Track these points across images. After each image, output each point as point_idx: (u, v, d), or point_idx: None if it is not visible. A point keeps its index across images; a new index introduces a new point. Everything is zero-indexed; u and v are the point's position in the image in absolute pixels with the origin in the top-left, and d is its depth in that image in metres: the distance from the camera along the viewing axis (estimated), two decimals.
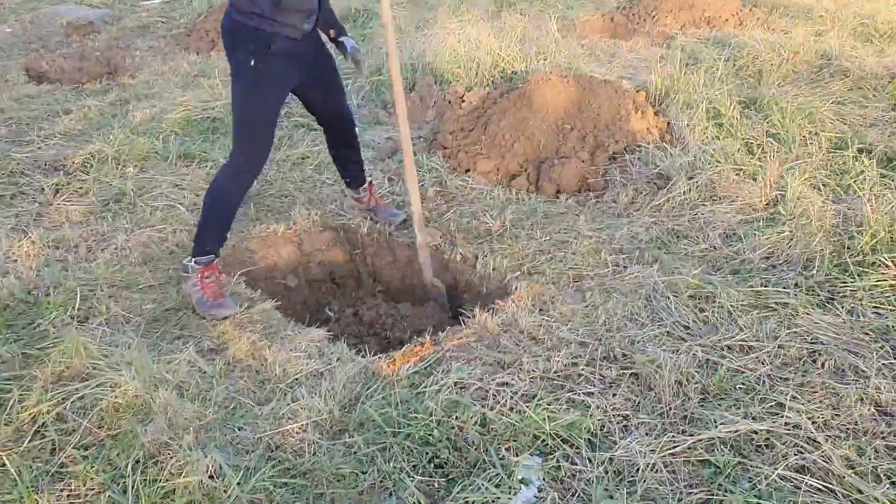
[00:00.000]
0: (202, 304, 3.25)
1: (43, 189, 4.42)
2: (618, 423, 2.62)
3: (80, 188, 4.44)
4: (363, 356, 3.01)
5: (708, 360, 2.92)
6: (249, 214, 4.19)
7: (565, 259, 3.70)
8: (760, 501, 2.27)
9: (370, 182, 4.11)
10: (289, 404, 2.69)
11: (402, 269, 3.98)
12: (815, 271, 3.57)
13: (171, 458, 2.40)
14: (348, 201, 4.19)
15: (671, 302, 3.30)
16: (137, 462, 2.41)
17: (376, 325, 3.69)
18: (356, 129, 3.85)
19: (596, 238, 3.91)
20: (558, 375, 2.85)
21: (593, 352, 2.97)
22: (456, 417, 2.59)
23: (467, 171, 4.80)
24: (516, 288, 3.45)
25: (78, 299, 3.30)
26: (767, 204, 4.17)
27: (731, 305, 3.26)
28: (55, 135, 5.23)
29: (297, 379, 2.85)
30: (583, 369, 2.87)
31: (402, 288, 4.00)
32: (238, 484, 2.30)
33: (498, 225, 4.06)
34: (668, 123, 5.12)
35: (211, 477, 2.34)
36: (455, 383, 2.76)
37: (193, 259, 3.33)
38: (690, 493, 2.35)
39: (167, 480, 2.31)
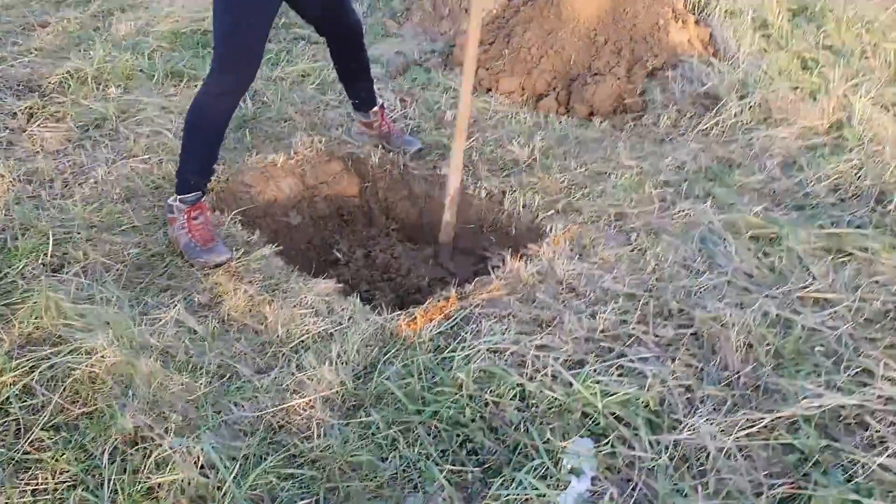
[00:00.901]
0: (190, 250, 2.83)
1: (15, 114, 3.93)
2: (680, 395, 2.23)
3: (57, 112, 3.96)
4: (379, 313, 2.60)
5: (779, 316, 2.51)
6: (245, 142, 3.72)
7: (604, 194, 3.25)
8: (860, 499, 1.90)
9: (381, 104, 3.62)
10: (293, 374, 2.30)
11: (418, 204, 3.54)
12: (891, 207, 3.12)
13: (156, 445, 2.02)
14: (356, 126, 3.72)
15: (730, 245, 2.88)
16: (116, 449, 2.03)
17: (391, 269, 3.27)
18: (364, 38, 3.34)
19: (638, 168, 3.45)
20: (606, 336, 2.45)
21: (644, 306, 2.56)
22: (490, 391, 2.20)
23: (488, 90, 4.30)
24: (551, 229, 3.01)
25: (51, 244, 2.87)
26: (830, 127, 3.69)
27: (801, 249, 2.82)
28: (30, 51, 4.70)
29: (302, 342, 2.45)
30: (634, 328, 2.46)
31: (418, 226, 3.56)
32: (235, 479, 1.93)
33: (526, 154, 3.60)
34: (711, 35, 4.58)
35: (203, 470, 1.96)
36: (487, 347, 2.36)
37: (178, 197, 2.90)
38: (773, 485, 1.97)
39: (151, 474, 1.94)
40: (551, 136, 3.78)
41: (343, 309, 2.59)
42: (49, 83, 4.21)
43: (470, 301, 2.60)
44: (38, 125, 3.81)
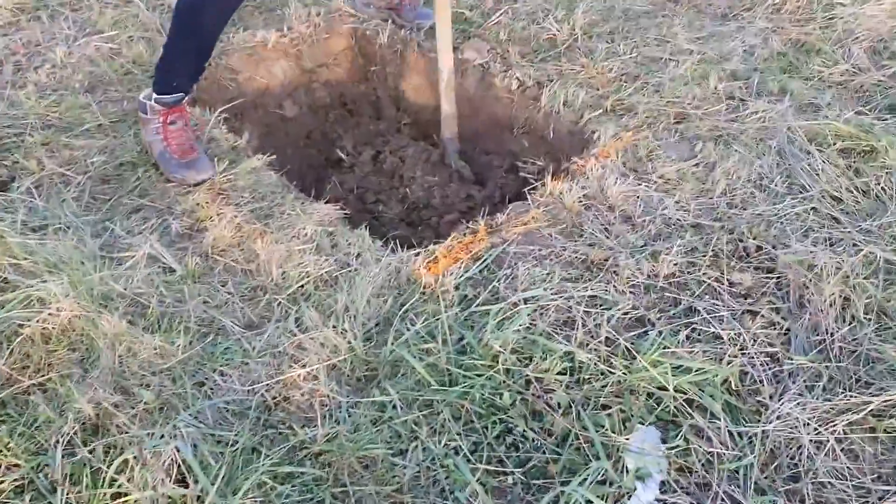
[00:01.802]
0: (166, 163, 2.35)
1: None
2: (764, 368, 1.82)
3: None
4: (393, 250, 2.15)
5: (878, 258, 2.06)
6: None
7: (661, 88, 2.71)
8: None
9: None
10: (292, 332, 1.89)
11: (434, 94, 3.00)
12: None
13: (122, 435, 1.64)
14: None
15: (815, 159, 2.38)
16: (72, 440, 1.65)
17: (402, 176, 2.79)
18: None
19: (699, 54, 2.88)
20: (670, 284, 2.01)
21: (716, 243, 2.10)
22: (530, 361, 1.79)
23: None
24: (597, 136, 2.50)
25: None
26: None
27: None
28: None
29: (301, 288, 2.01)
30: (704, 274, 2.02)
31: (434, 121, 3.04)
32: (219, 488, 1.55)
33: (566, 32, 3.02)
34: None
35: (181, 473, 1.58)
36: (525, 300, 1.92)
37: (155, 96, 2.38)
38: (884, 495, 1.59)
39: (116, 476, 1.56)
40: (594, 9, 3.17)
41: (349, 244, 2.14)
42: None
43: (502, 235, 2.14)
44: None
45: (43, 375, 1.78)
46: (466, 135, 2.94)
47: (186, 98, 2.43)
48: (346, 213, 2.28)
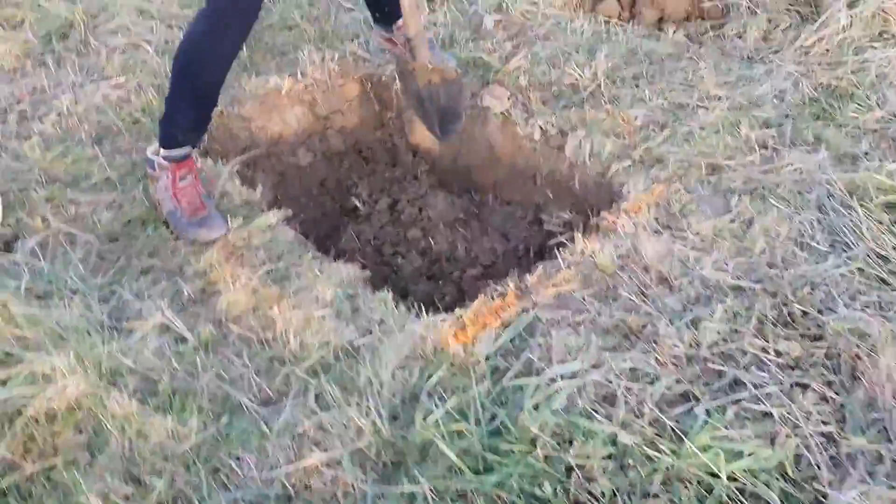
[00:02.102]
0: (177, 222, 2.25)
1: None
2: (820, 450, 1.69)
3: (13, 16, 3.26)
4: (416, 314, 2.03)
5: None
6: (241, 59, 3.04)
7: (691, 136, 2.61)
8: None
9: None
10: (312, 412, 1.76)
11: (453, 141, 2.90)
12: None
13: None
14: (376, 39, 3.02)
15: (857, 215, 2.27)
16: None
17: (421, 225, 2.67)
18: None
19: (727, 99, 2.78)
20: (714, 354, 1.89)
21: (760, 309, 1.98)
22: (570, 445, 1.66)
23: None
24: (627, 189, 2.39)
25: (1, 207, 2.28)
26: None
27: None
28: None
29: (321, 359, 1.89)
30: (749, 343, 1.90)
31: (453, 169, 2.94)
32: None
33: (588, 77, 2.92)
34: None
35: None
36: (563, 376, 1.80)
37: (162, 152, 2.28)
38: None
39: None
40: (616, 52, 3.08)
41: (371, 309, 2.02)
42: None
43: (533, 298, 2.03)
44: None
45: (47, 461, 1.66)
46: (487, 184, 2.84)
47: (195, 151, 2.33)
48: (366, 274, 2.15)
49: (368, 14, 2.93)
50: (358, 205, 2.87)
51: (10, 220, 2.28)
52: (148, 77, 2.90)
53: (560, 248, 2.22)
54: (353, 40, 3.18)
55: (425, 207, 2.73)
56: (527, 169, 2.69)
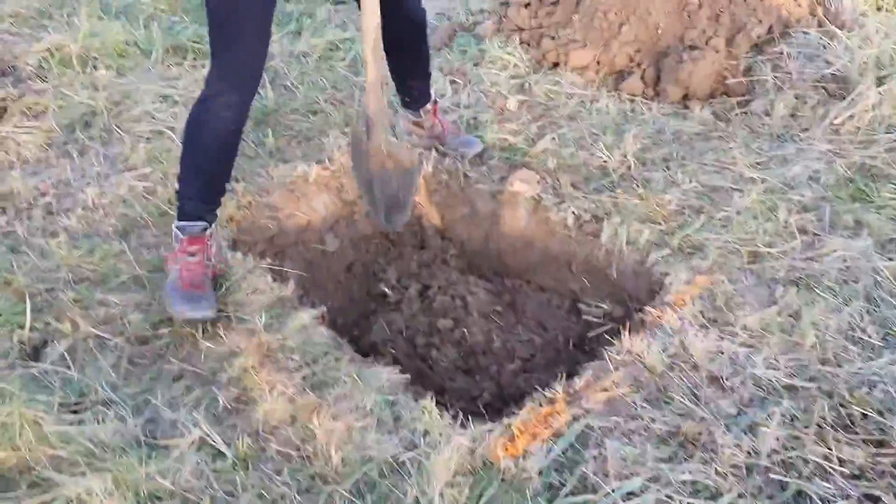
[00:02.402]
0: (171, 293, 2.22)
1: None
2: None
3: (36, 105, 3.25)
4: (462, 424, 1.96)
5: None
6: (266, 145, 3.02)
7: (729, 222, 2.57)
8: None
9: (434, 100, 2.90)
10: None
11: (482, 226, 2.86)
12: None
13: None
14: (402, 124, 3.01)
15: None
16: None
17: (454, 314, 2.61)
18: (426, 28, 2.62)
19: (762, 181, 2.75)
20: (774, 464, 1.81)
21: (818, 412, 1.91)
22: None
23: (556, 65, 3.55)
24: (669, 281, 2.34)
25: (29, 312, 2.23)
26: None
27: None
28: (1, 18, 3.94)
29: (365, 477, 1.82)
30: (810, 450, 1.82)
31: (483, 253, 2.89)
32: None
33: (617, 159, 2.89)
34: None
35: None
36: (621, 497, 1.72)
37: (177, 222, 2.33)
38: None
39: None
40: (644, 132, 3.06)
41: (413, 418, 1.95)
42: (26, 64, 3.48)
43: (583, 404, 1.96)
44: (14, 125, 3.10)
45: None
46: (519, 269, 2.79)
47: (208, 231, 2.30)
48: (406, 378, 2.09)
49: (398, 98, 2.92)
50: (387, 291, 2.82)
51: (39, 323, 2.22)
52: (173, 167, 2.85)
53: (605, 347, 2.15)
54: None
55: (457, 295, 2.67)
56: (561, 255, 2.64)
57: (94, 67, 3.47)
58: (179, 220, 2.32)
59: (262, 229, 2.68)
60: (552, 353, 2.47)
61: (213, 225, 2.34)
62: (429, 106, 2.88)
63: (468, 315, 2.60)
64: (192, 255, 2.28)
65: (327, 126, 3.12)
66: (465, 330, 2.55)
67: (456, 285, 2.72)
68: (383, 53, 2.25)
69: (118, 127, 3.09)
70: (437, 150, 2.95)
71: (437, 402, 2.16)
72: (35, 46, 3.55)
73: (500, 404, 2.35)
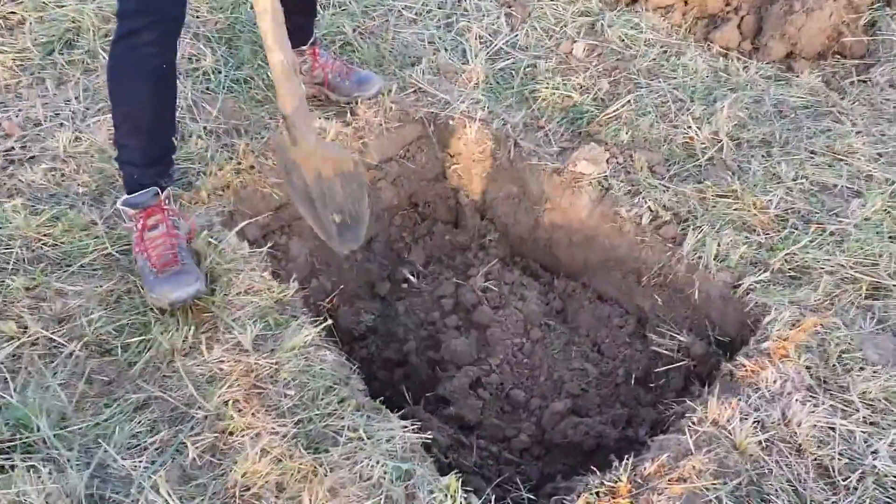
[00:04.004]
0: (145, 278, 1.86)
1: None
2: None
3: (11, 14, 2.73)
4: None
5: None
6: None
7: (845, 238, 2.04)
8: None
9: (313, 41, 2.39)
10: None
11: (532, 210, 2.36)
12: None
13: None
14: None
15: None
16: None
17: (490, 318, 2.14)
18: None
19: (888, 183, 2.20)
20: None
21: None
22: None
23: (634, 0, 2.93)
24: (768, 319, 1.83)
25: None
26: None
27: None
28: None
29: None
30: None
31: (531, 241, 2.40)
32: None
33: (707, 136, 2.35)
34: None
35: None
36: None
37: (125, 197, 1.92)
38: None
39: None
40: (739, 103, 2.49)
41: (433, 497, 1.51)
42: None
43: (649, 497, 1.51)
44: None
45: None
46: (574, 269, 2.30)
47: (163, 195, 1.90)
48: (426, 437, 1.64)
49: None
50: (410, 277, 2.35)
51: None
52: None
53: (682, 405, 1.69)
54: (414, 65, 2.62)
55: (497, 296, 2.20)
56: (628, 260, 2.14)
57: None
58: (127, 193, 1.91)
59: (265, 199, 2.20)
60: (608, 388, 2.01)
61: (168, 186, 1.94)
62: (306, 47, 2.35)
63: (506, 323, 2.13)
64: (153, 227, 1.89)
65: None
66: (503, 346, 2.09)
67: (497, 281, 2.24)
68: (285, 31, 1.69)
69: (105, 50, 2.57)
70: (326, 97, 2.43)
71: (458, 466, 1.74)
72: None
73: (539, 450, 1.91)
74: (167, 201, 1.92)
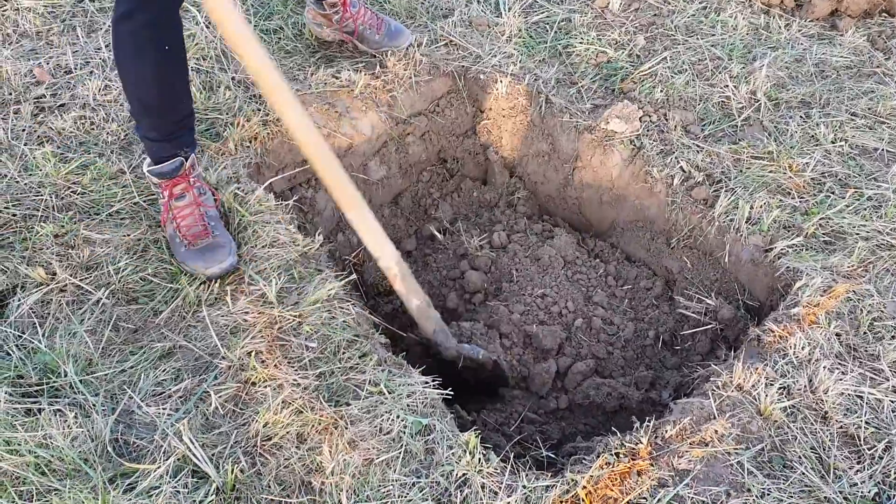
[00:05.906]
0: (176, 249, 1.87)
1: None
2: None
3: None
4: (514, 468, 1.52)
5: None
6: (306, 41, 2.47)
7: (883, 203, 1.99)
8: None
9: None
10: None
11: (563, 169, 2.33)
12: None
13: None
14: (311, 14, 2.42)
15: None
16: None
17: (514, 272, 2.13)
18: None
19: None
20: None
21: None
22: None
23: None
24: (799, 284, 1.79)
25: None
26: None
27: None
28: None
29: None
30: None
31: (560, 199, 2.37)
32: None
33: (744, 96, 2.28)
34: None
35: None
36: None
37: (149, 165, 1.89)
38: None
39: None
40: (779, 62, 2.41)
41: (451, 457, 1.52)
42: None
43: (671, 461, 1.50)
44: None
45: None
46: (603, 228, 2.27)
47: (188, 163, 1.86)
48: (446, 394, 1.64)
49: None
50: (437, 234, 2.34)
51: (9, 265, 1.81)
52: (195, 55, 2.36)
53: (707, 369, 1.66)
54: (445, 17, 2.57)
55: (522, 251, 2.18)
56: (658, 221, 2.10)
57: None
58: (153, 163, 1.87)
59: (292, 152, 2.19)
60: (634, 350, 1.99)
61: (192, 153, 1.89)
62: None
63: (532, 277, 2.11)
64: (180, 196, 1.87)
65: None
66: (526, 303, 2.07)
67: (523, 236, 2.22)
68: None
69: None
70: (356, 48, 2.40)
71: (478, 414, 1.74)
72: None
73: (561, 408, 1.91)
74: (192, 168, 1.89)
